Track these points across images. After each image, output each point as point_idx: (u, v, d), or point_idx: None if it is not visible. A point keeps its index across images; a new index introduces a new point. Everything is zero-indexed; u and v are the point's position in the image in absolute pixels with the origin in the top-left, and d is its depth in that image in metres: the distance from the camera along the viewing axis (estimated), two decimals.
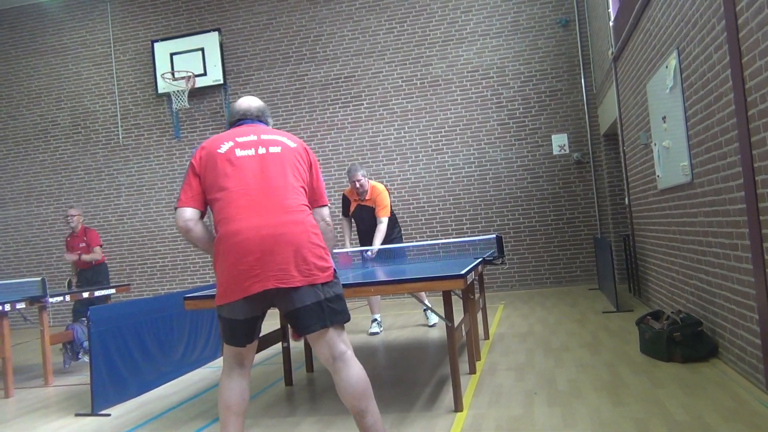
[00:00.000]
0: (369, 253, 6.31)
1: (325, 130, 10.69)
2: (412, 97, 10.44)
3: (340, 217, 6.95)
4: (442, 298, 3.80)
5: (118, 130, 11.51)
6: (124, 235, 11.36)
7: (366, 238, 6.67)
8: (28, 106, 11.90)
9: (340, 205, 6.89)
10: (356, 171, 6.49)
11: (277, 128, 10.56)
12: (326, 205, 3.05)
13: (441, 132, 10.33)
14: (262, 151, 2.84)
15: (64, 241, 8.22)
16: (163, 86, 10.92)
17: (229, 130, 3.00)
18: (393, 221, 6.77)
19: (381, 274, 4.36)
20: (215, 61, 10.87)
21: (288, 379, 4.89)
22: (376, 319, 6.99)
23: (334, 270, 2.83)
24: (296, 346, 5.93)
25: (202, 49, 10.89)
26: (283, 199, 2.75)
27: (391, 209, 6.69)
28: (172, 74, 10.79)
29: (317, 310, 2.70)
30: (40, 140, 11.83)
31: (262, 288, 2.66)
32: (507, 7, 10.18)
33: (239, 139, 2.87)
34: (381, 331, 6.95)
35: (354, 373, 2.73)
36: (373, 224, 6.50)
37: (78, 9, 11.77)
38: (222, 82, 10.88)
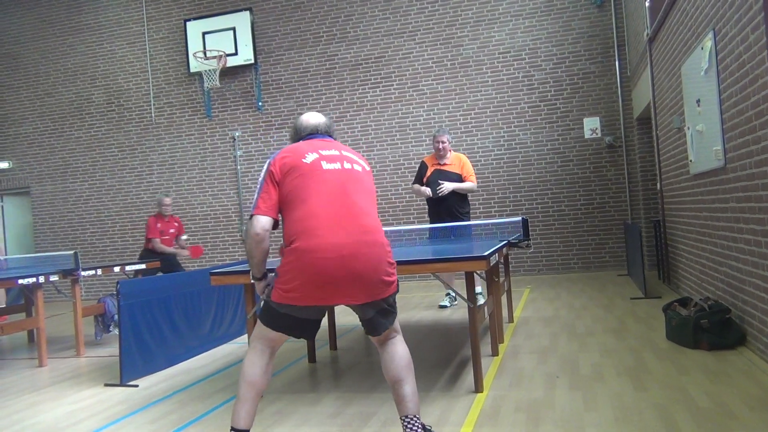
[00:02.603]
0: (443, 187, 6.52)
1: (354, 110, 10.68)
2: (443, 79, 10.36)
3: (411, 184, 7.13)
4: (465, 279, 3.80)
5: (150, 109, 11.66)
6: None
7: (435, 206, 6.72)
8: (64, 84, 12.12)
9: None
10: (443, 133, 6.70)
11: (306, 109, 10.63)
12: None
13: (471, 114, 10.24)
14: (347, 166, 2.88)
15: (149, 225, 8.21)
16: (194, 65, 11.01)
17: (302, 142, 2.99)
18: (464, 198, 6.83)
19: (404, 254, 4.36)
20: (246, 41, 10.91)
21: (311, 357, 4.96)
22: (449, 294, 7.24)
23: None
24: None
25: (234, 29, 10.93)
26: (364, 218, 2.80)
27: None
28: (204, 53, 10.86)
29: (381, 317, 2.87)
30: (75, 117, 12.06)
31: (334, 303, 2.81)
32: None
33: (323, 152, 2.88)
34: (451, 306, 7.18)
35: (399, 351, 2.90)
36: (445, 195, 6.57)
37: None
38: (253, 61, 10.92)
